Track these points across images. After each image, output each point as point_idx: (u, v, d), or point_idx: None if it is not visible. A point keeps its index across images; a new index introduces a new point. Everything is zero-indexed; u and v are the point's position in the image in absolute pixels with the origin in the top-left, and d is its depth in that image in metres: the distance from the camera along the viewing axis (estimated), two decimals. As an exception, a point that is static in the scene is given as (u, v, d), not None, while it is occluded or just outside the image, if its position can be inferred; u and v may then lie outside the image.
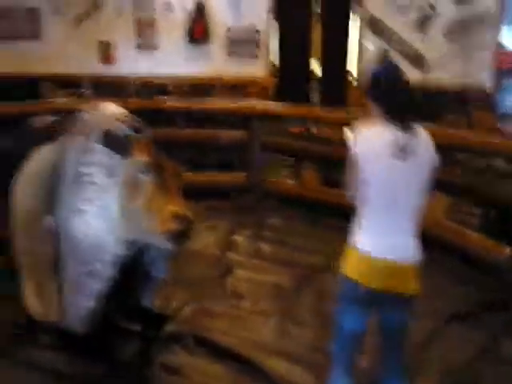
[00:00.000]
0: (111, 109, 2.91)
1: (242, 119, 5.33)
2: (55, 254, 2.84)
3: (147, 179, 2.58)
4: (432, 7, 6.71)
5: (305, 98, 6.92)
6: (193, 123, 5.55)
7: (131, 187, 2.61)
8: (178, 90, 6.57)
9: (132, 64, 6.67)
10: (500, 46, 6.87)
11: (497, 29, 6.69)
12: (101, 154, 2.70)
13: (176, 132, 5.38)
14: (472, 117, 6.02)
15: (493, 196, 4.21)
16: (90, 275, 2.79)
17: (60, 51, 6.79)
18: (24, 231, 3.07)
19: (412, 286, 2.38)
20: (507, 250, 3.88)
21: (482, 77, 6.58)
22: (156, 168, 2.61)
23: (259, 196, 5.17)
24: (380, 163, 2.27)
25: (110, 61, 6.77)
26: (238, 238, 4.68)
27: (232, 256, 4.39)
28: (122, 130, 2.70)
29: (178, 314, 3.51)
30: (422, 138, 2.32)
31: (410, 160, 2.27)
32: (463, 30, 6.76)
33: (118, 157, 2.65)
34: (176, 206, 2.53)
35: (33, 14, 6.82)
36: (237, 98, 5.63)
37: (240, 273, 4.13)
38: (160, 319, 3.25)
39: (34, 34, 6.85)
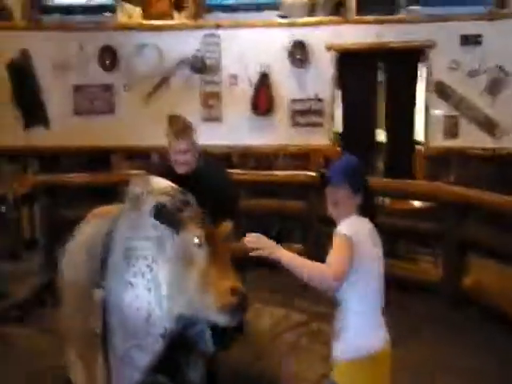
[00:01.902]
0: (161, 183, 2.95)
1: (303, 190, 5.30)
2: (103, 327, 2.87)
3: (201, 252, 2.57)
4: (502, 69, 6.59)
5: (368, 168, 6.82)
6: (254, 194, 5.58)
7: (184, 261, 2.61)
8: (241, 161, 6.69)
9: (198, 135, 6.89)
10: None
11: None
12: (152, 228, 2.72)
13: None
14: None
15: None
16: (139, 348, 2.79)
17: (131, 125, 7.18)
18: (72, 304, 3.15)
19: None
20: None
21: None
22: (209, 241, 2.60)
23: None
24: (367, 253, 2.31)
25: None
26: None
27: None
28: (173, 203, 2.71)
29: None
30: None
31: (378, 245, 2.40)
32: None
33: (169, 231, 2.66)
34: (230, 280, 2.50)
35: (107, 90, 7.29)
36: (299, 167, 5.63)
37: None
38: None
39: (109, 109, 7.30)
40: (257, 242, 2.24)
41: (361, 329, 2.31)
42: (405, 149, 6.91)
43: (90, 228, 3.21)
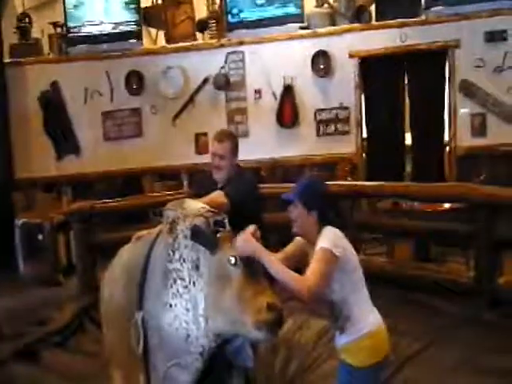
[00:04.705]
0: (195, 205, 3.02)
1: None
2: (144, 347, 2.94)
3: (237, 271, 2.60)
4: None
5: (396, 173, 6.75)
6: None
7: (220, 281, 2.65)
8: (270, 174, 6.71)
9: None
10: None
11: None
12: (187, 249, 2.80)
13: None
14: None
15: None
16: (180, 367, 2.84)
17: (160, 146, 7.32)
18: (115, 323, 3.23)
19: None
20: None
21: None
22: (245, 259, 2.62)
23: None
24: (350, 252, 2.59)
25: (205, 151, 7.10)
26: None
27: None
28: (208, 225, 2.76)
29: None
30: None
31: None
32: None
33: (205, 251, 2.71)
34: (266, 296, 2.52)
35: (135, 115, 7.46)
36: (327, 177, 5.61)
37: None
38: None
39: (137, 133, 7.47)
40: (244, 241, 2.54)
41: (359, 315, 2.60)
42: (434, 151, 6.83)
43: (129, 251, 3.30)
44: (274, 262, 2.49)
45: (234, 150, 3.51)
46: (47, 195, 7.48)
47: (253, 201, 3.46)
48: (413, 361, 3.91)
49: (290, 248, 2.75)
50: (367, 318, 2.60)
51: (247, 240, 2.54)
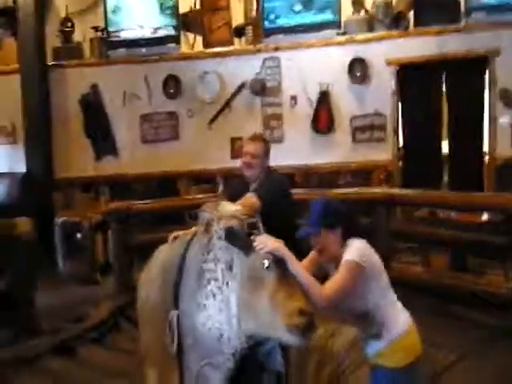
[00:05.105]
0: (230, 207, 3.06)
1: (367, 206, 5.27)
2: (178, 346, 2.99)
3: (270, 274, 2.62)
4: None
5: (432, 181, 6.70)
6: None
7: (253, 282, 2.67)
8: (304, 180, 6.74)
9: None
10: None
11: None
12: (221, 250, 2.84)
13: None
14: None
15: None
16: (212, 367, 2.88)
17: (196, 150, 7.42)
18: (151, 323, 3.28)
19: None
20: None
21: None
22: (277, 262, 2.66)
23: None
24: (377, 261, 2.64)
25: (241, 155, 7.14)
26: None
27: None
28: (242, 227, 2.79)
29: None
30: None
31: None
32: None
33: (239, 253, 2.75)
34: (298, 301, 2.53)
35: (172, 118, 7.58)
36: (362, 184, 5.61)
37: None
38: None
39: (174, 136, 7.59)
40: (264, 242, 2.59)
41: (391, 319, 2.63)
42: (472, 160, 6.76)
43: (165, 252, 3.35)
44: (297, 265, 2.55)
45: (267, 151, 3.62)
46: (85, 195, 7.66)
47: (283, 198, 3.53)
48: (450, 372, 3.88)
49: (304, 262, 2.76)
50: (398, 320, 2.63)
51: (272, 239, 2.60)
